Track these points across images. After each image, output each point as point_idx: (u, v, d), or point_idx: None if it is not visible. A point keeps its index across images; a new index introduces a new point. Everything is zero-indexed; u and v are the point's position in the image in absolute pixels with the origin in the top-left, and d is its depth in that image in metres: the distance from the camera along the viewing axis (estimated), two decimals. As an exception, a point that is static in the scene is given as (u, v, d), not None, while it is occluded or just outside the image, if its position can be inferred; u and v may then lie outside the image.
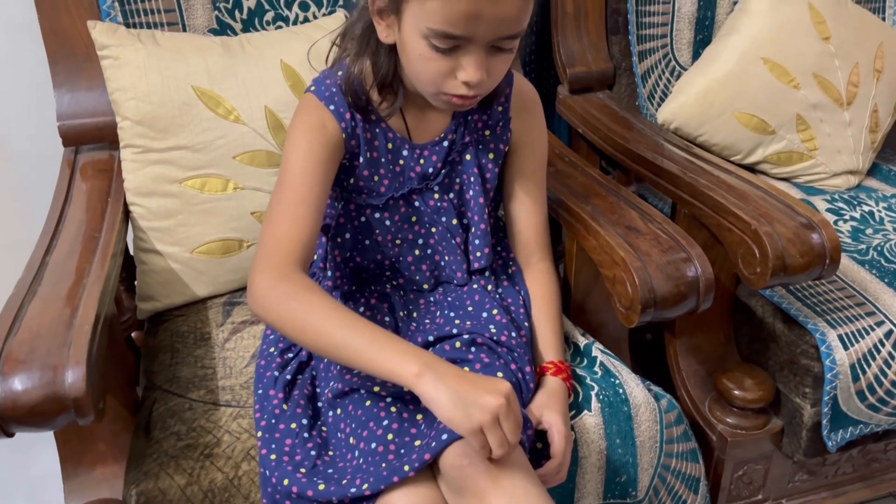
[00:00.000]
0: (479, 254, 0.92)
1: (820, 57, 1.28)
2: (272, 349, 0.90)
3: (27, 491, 1.35)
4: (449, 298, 0.94)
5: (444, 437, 0.73)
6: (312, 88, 0.85)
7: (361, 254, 0.93)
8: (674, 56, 1.35)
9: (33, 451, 1.35)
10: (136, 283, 1.09)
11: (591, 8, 1.31)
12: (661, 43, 1.34)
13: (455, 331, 0.86)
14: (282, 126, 1.05)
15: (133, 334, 1.22)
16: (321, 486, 0.74)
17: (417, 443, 0.76)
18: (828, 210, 1.25)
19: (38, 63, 1.11)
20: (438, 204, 0.90)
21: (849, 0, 1.37)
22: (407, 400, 0.81)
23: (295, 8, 1.16)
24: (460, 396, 0.66)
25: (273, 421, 0.82)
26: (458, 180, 0.91)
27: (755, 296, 1.10)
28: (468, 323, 0.87)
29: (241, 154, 1.04)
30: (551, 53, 1.35)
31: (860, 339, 1.01)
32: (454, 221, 0.91)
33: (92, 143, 1.11)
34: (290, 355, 0.89)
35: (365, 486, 0.72)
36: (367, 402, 0.80)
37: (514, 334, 0.87)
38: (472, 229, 0.92)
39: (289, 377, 0.86)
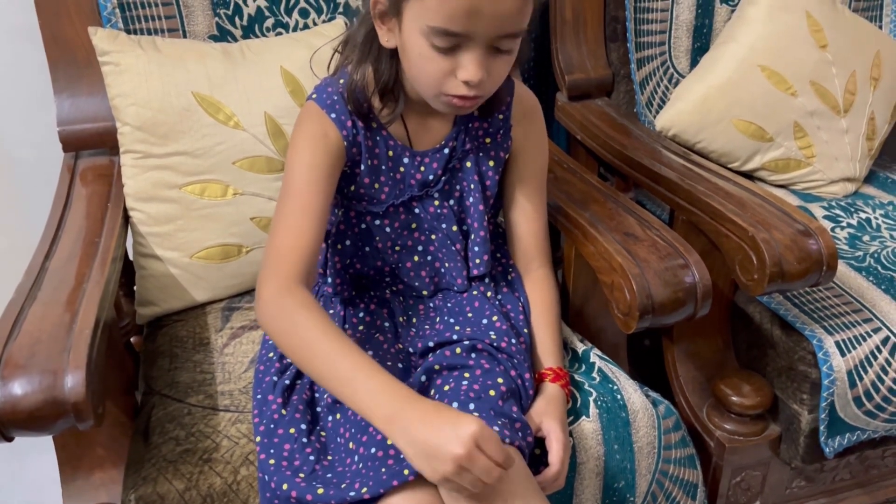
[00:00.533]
0: (478, 260, 0.92)
1: (817, 65, 1.28)
2: (271, 354, 0.90)
3: (24, 495, 1.35)
4: (449, 304, 0.94)
5: None
6: (314, 96, 0.86)
7: (361, 260, 0.93)
8: (672, 63, 1.36)
9: (30, 455, 1.35)
10: (135, 287, 1.10)
11: (590, 15, 1.32)
12: (660, 50, 1.35)
13: (455, 336, 0.86)
14: (281, 132, 1.06)
15: (132, 339, 1.22)
16: (320, 491, 0.74)
17: None
18: (825, 217, 1.26)
19: (39, 68, 1.11)
20: (438, 211, 0.90)
21: (846, 8, 1.38)
22: None
23: (295, 14, 1.17)
24: (423, 450, 0.66)
25: (272, 426, 0.82)
26: (458, 187, 0.91)
27: (753, 302, 1.10)
28: (468, 329, 0.87)
29: (241, 160, 1.05)
30: (550, 60, 1.35)
31: (857, 345, 1.02)
32: (454, 228, 0.91)
33: (92, 148, 1.11)
34: (289, 360, 0.90)
35: (364, 489, 0.72)
36: None
37: (513, 340, 0.87)
38: (472, 236, 0.92)
39: (287, 382, 0.86)
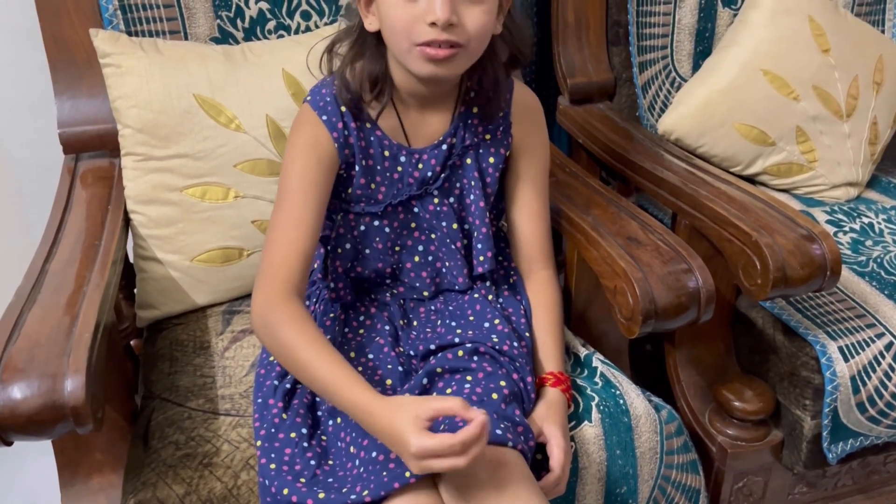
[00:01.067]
0: (481, 258, 0.92)
1: (820, 69, 1.28)
2: (272, 358, 0.90)
3: (21, 500, 1.35)
4: (450, 308, 0.93)
5: None
6: (308, 98, 0.87)
7: (362, 263, 0.93)
8: (674, 67, 1.36)
9: (28, 459, 1.35)
10: (135, 290, 1.09)
11: (592, 19, 1.32)
12: (662, 54, 1.35)
13: (457, 340, 0.86)
14: (283, 135, 1.05)
15: (132, 342, 1.22)
16: (321, 495, 0.74)
17: None
18: (828, 222, 1.25)
19: (39, 70, 1.11)
20: (438, 209, 0.90)
21: (848, 13, 1.37)
22: None
23: (297, 17, 1.16)
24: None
25: (272, 430, 0.82)
26: (458, 185, 0.91)
27: (755, 307, 1.10)
28: (470, 332, 0.87)
29: (243, 162, 1.04)
30: (552, 64, 1.35)
31: (860, 350, 1.01)
32: (454, 226, 0.91)
33: (92, 150, 1.11)
34: (290, 365, 0.89)
35: (365, 492, 0.72)
36: None
37: (515, 344, 0.87)
38: (475, 233, 0.92)
39: (288, 386, 0.85)
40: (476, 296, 0.94)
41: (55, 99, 1.09)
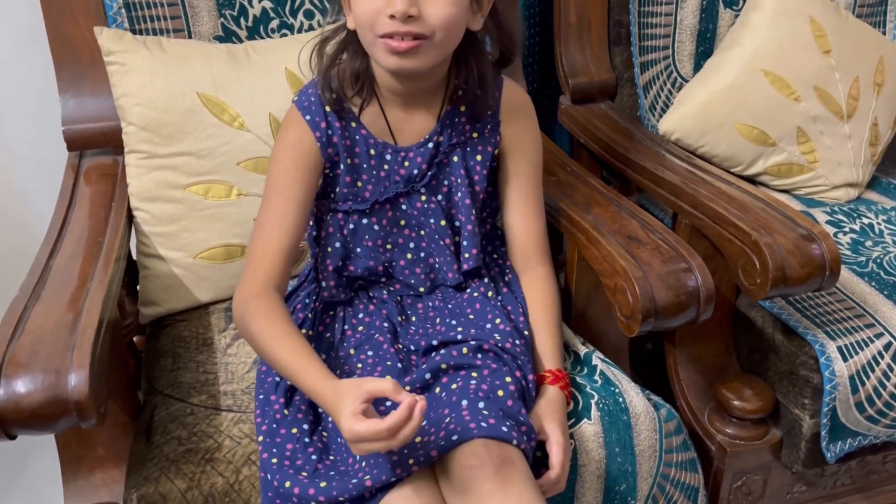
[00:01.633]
0: (467, 255, 0.92)
1: (820, 70, 1.29)
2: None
3: (24, 495, 1.35)
4: (449, 306, 0.94)
5: (455, 437, 0.73)
6: (295, 98, 0.88)
7: (354, 262, 0.93)
8: (675, 68, 1.36)
9: (31, 454, 1.35)
10: (138, 287, 1.10)
11: (594, 19, 1.32)
12: (664, 54, 1.35)
13: (460, 337, 0.86)
14: (286, 133, 1.06)
15: (134, 339, 1.22)
16: (322, 485, 0.74)
17: (418, 438, 0.76)
18: (828, 222, 1.26)
19: (44, 68, 1.11)
20: (426, 206, 0.91)
21: (849, 14, 1.38)
22: None
23: (300, 16, 1.17)
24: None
25: (274, 426, 0.83)
26: (446, 182, 0.91)
27: (755, 307, 1.10)
28: (472, 330, 0.87)
29: (245, 161, 1.05)
30: (553, 63, 1.36)
31: (859, 350, 1.02)
32: (442, 223, 0.91)
33: (96, 147, 1.12)
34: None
35: (367, 478, 0.73)
36: None
37: (517, 342, 0.87)
38: (462, 231, 0.92)
39: (290, 383, 0.86)
40: (475, 294, 0.94)
41: (59, 96, 1.09)
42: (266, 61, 1.08)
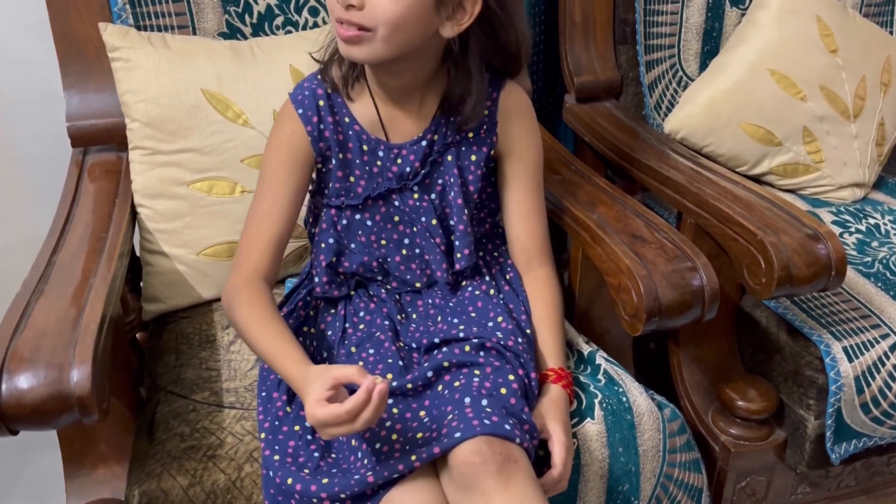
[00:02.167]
0: (458, 255, 0.92)
1: (827, 69, 1.28)
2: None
3: (26, 491, 1.35)
4: (451, 304, 0.94)
5: (458, 434, 0.73)
6: (290, 92, 0.89)
7: (348, 258, 0.93)
8: (681, 66, 1.36)
9: (33, 451, 1.35)
10: (141, 284, 1.10)
11: (600, 18, 1.32)
12: (669, 53, 1.35)
13: (462, 334, 0.86)
14: (290, 130, 1.05)
15: (137, 335, 1.22)
16: (325, 481, 0.74)
17: (420, 435, 0.76)
18: (833, 222, 1.25)
19: (48, 64, 1.11)
20: (417, 204, 0.90)
21: (856, 13, 1.37)
22: (409, 399, 0.82)
23: (304, 13, 1.17)
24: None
25: (276, 423, 0.82)
26: (440, 181, 0.91)
27: (760, 306, 1.10)
28: (474, 328, 0.87)
29: (249, 157, 1.05)
30: (558, 62, 1.35)
31: (865, 351, 1.01)
32: (434, 222, 0.91)
33: (100, 144, 1.12)
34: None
35: (369, 474, 0.73)
36: None
37: (520, 340, 0.87)
38: (454, 231, 0.92)
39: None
40: (477, 292, 0.94)
41: (64, 93, 1.09)
42: (270, 58, 1.08)
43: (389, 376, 0.84)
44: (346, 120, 0.88)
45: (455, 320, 0.90)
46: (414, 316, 0.93)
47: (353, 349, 0.90)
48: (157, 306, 1.08)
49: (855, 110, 1.30)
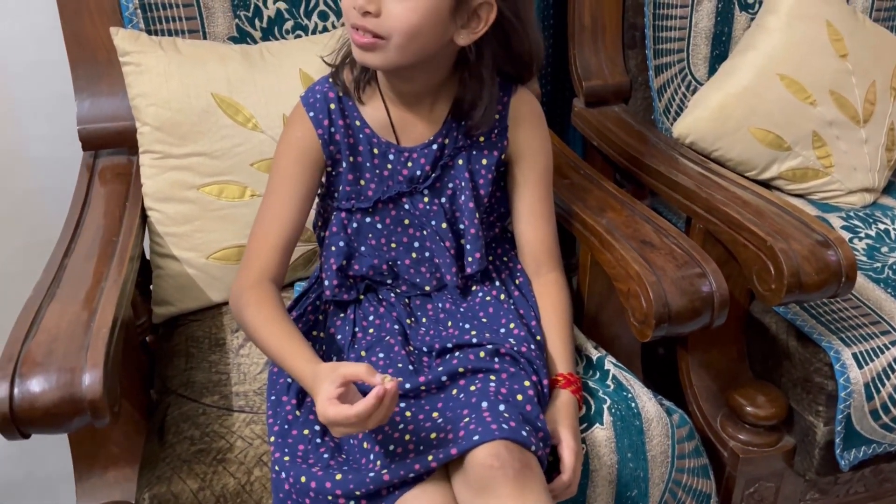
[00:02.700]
0: (469, 259, 0.92)
1: (837, 74, 1.28)
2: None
3: (37, 492, 1.36)
4: (461, 309, 0.94)
5: (476, 437, 0.73)
6: (302, 95, 0.89)
7: (358, 261, 0.93)
8: (690, 71, 1.36)
9: (43, 453, 1.36)
10: (151, 287, 1.10)
11: (609, 22, 1.32)
12: (678, 58, 1.34)
13: (474, 340, 0.86)
14: (299, 134, 1.06)
15: (147, 338, 1.23)
16: (338, 477, 0.75)
17: (434, 436, 0.76)
18: (843, 228, 1.25)
19: (60, 67, 1.12)
20: (427, 207, 0.91)
21: (866, 18, 1.37)
22: (422, 401, 0.82)
23: (314, 17, 1.17)
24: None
25: (286, 426, 0.83)
26: (450, 185, 0.91)
27: (769, 312, 1.10)
28: (486, 334, 0.87)
29: (259, 161, 1.05)
30: (567, 66, 1.35)
31: (875, 357, 1.01)
32: (443, 225, 0.91)
33: (111, 147, 1.12)
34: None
35: (385, 472, 0.73)
36: None
37: (532, 346, 0.87)
38: (465, 235, 0.92)
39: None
40: (487, 297, 0.94)
41: (75, 96, 1.10)
42: (280, 63, 1.09)
43: (400, 379, 0.84)
44: (357, 123, 0.88)
45: (467, 325, 0.90)
46: (423, 320, 0.94)
47: (364, 353, 0.90)
48: (167, 309, 1.09)
49: (865, 115, 1.30)
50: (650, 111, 1.35)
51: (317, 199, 0.94)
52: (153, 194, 1.05)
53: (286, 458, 0.79)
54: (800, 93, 1.26)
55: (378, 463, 0.76)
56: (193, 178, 1.05)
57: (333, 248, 0.92)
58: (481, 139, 0.90)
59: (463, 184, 0.90)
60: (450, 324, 0.92)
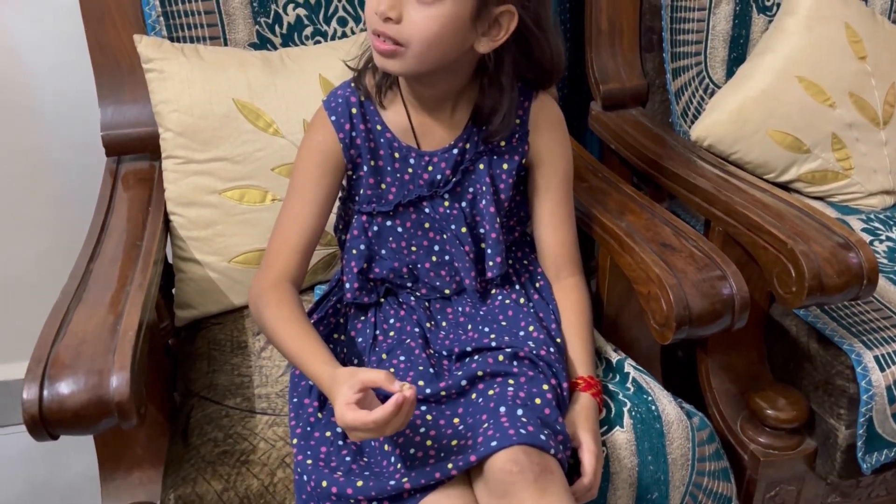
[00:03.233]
0: (490, 263, 0.92)
1: (856, 76, 1.27)
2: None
3: (62, 493, 1.37)
4: (481, 312, 0.94)
5: (494, 443, 0.74)
6: (324, 99, 0.90)
7: (379, 264, 0.94)
8: (708, 74, 1.35)
9: (68, 453, 1.37)
10: (174, 290, 1.11)
11: (626, 25, 1.32)
12: (696, 61, 1.34)
13: (494, 343, 0.87)
14: (320, 139, 1.07)
15: (170, 341, 1.24)
16: (359, 483, 0.75)
17: (455, 442, 0.76)
18: (863, 230, 1.24)
19: (83, 74, 1.14)
20: (448, 211, 0.91)
21: (885, 20, 1.36)
22: (443, 406, 0.82)
23: (333, 23, 1.18)
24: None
25: (308, 429, 0.83)
26: (471, 189, 0.91)
27: (789, 315, 1.09)
28: (506, 338, 0.88)
29: (280, 166, 1.06)
30: (584, 69, 1.36)
31: (897, 360, 1.00)
32: (463, 230, 0.91)
33: (134, 153, 1.14)
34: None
35: (405, 479, 0.73)
36: None
37: (551, 349, 0.87)
38: (486, 239, 0.93)
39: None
40: (507, 301, 0.94)
41: (98, 103, 1.11)
42: (300, 68, 1.10)
43: (421, 383, 0.85)
44: (378, 127, 0.89)
45: (486, 329, 0.90)
46: (444, 323, 0.94)
47: (384, 356, 0.90)
48: (190, 313, 1.10)
49: (885, 117, 1.29)
50: (668, 114, 1.35)
51: (338, 203, 0.95)
52: (176, 199, 1.06)
53: (308, 461, 0.80)
54: (818, 95, 1.26)
55: (399, 467, 0.76)
56: (215, 183, 1.06)
57: (354, 251, 0.93)
58: (502, 143, 0.91)
59: (484, 188, 0.91)
60: (469, 327, 0.92)
